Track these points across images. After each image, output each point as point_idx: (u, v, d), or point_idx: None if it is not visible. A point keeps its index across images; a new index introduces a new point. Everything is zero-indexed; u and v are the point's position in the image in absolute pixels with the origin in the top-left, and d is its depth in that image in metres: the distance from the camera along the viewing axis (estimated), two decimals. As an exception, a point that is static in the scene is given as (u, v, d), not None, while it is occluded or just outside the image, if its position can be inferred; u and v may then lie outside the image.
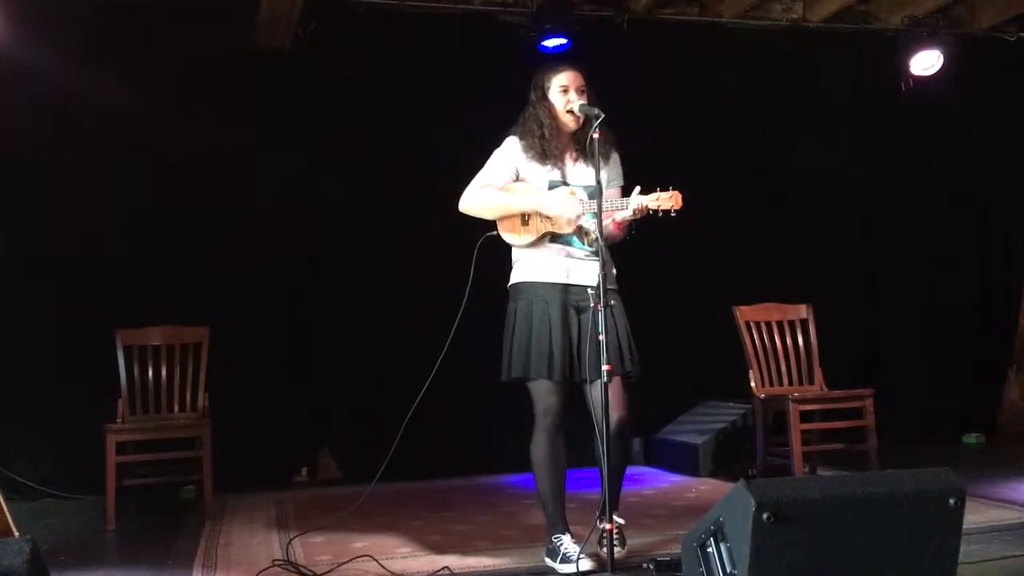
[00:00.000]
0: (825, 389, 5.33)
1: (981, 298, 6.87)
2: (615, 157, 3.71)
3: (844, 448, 5.24)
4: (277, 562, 3.64)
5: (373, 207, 5.83)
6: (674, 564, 3.14)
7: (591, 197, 3.47)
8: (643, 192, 3.48)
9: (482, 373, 4.63)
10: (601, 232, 3.34)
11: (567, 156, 3.67)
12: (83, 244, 5.40)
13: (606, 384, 3.24)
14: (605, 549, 3.24)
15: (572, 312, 3.55)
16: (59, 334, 5.31)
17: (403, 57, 5.94)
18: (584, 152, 3.62)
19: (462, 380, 4.88)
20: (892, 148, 6.73)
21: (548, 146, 3.61)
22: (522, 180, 3.65)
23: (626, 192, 3.60)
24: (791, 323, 5.43)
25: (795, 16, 6.41)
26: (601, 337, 3.25)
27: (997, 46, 6.68)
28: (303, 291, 5.88)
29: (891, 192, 6.67)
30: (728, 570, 2.60)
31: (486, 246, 3.65)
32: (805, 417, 5.01)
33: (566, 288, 3.57)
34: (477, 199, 3.66)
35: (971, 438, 6.42)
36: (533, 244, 3.63)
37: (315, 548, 3.94)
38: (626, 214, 3.49)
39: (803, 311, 5.46)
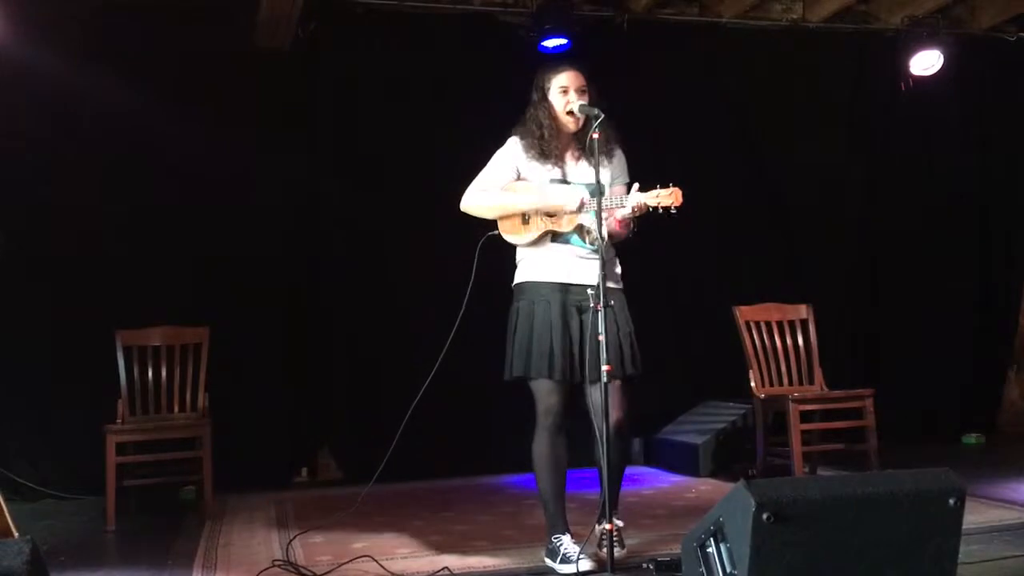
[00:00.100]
0: (825, 389, 5.33)
1: (981, 298, 6.87)
2: (619, 155, 3.72)
3: (844, 448, 5.24)
4: (277, 562, 3.64)
5: (373, 207, 5.83)
6: (674, 564, 3.15)
7: (592, 195, 3.47)
8: (643, 189, 3.49)
9: (482, 373, 4.64)
10: (601, 230, 3.34)
11: (568, 156, 3.67)
12: (83, 244, 5.40)
13: (606, 385, 3.25)
14: (605, 549, 3.25)
15: (574, 312, 3.55)
16: (59, 334, 5.31)
17: (403, 57, 5.94)
18: (586, 151, 3.62)
19: (462, 380, 4.88)
20: (892, 148, 6.73)
21: (548, 146, 3.62)
22: (523, 180, 3.65)
23: (641, 189, 3.60)
24: (791, 323, 5.43)
25: (795, 16, 6.41)
26: (601, 337, 3.25)
27: (997, 46, 6.68)
28: (303, 291, 5.87)
29: (891, 192, 6.67)
30: (728, 570, 2.60)
31: (487, 246, 3.66)
32: (805, 417, 5.01)
33: (568, 288, 3.57)
34: (478, 199, 3.67)
35: (971, 438, 6.42)
36: (534, 243, 3.63)
37: (315, 548, 3.95)
38: (625, 212, 3.49)
39: (803, 311, 5.46)
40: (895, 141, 6.73)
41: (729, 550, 2.59)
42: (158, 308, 5.24)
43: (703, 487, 5.24)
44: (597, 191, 3.39)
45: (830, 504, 2.53)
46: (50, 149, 5.38)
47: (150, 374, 5.07)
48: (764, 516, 2.44)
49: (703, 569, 2.69)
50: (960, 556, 2.66)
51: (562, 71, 3.65)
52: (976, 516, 3.92)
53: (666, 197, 3.42)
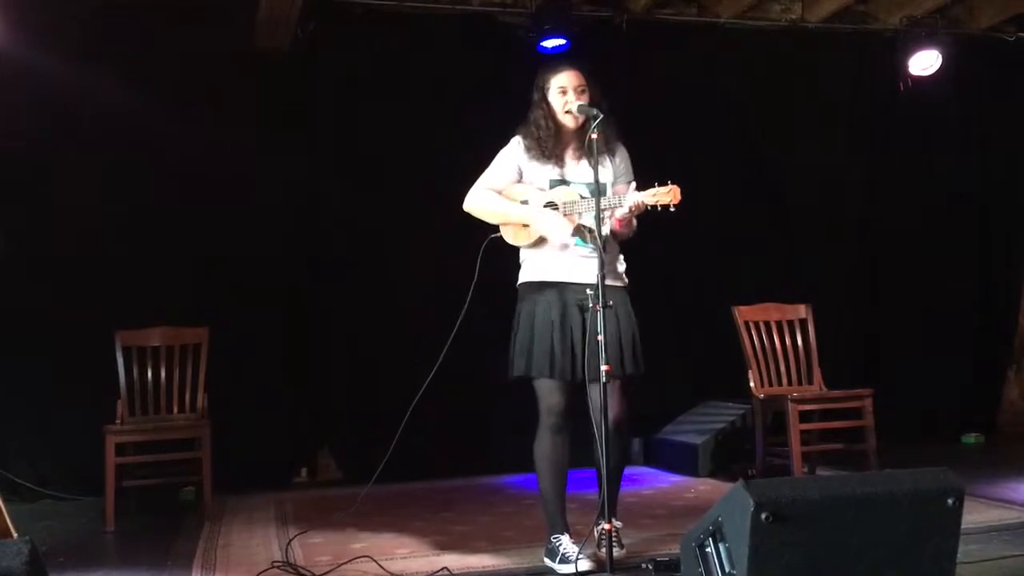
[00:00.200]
0: (824, 389, 5.33)
1: (981, 298, 6.87)
2: (622, 154, 3.73)
3: (843, 448, 5.24)
4: (276, 563, 3.64)
5: (373, 207, 5.83)
6: (673, 564, 3.15)
7: (592, 195, 3.47)
8: (642, 188, 3.49)
9: (482, 373, 4.65)
10: (599, 231, 3.35)
11: (568, 155, 3.68)
12: (83, 244, 5.40)
13: (605, 384, 3.25)
14: (604, 549, 3.25)
15: (575, 311, 3.56)
16: (59, 334, 5.30)
17: (402, 57, 5.94)
18: (586, 151, 3.62)
19: (462, 380, 4.89)
20: (892, 148, 6.73)
21: (548, 146, 3.64)
22: (525, 180, 3.67)
23: (641, 187, 3.60)
24: (790, 323, 5.43)
25: (794, 16, 6.41)
26: (600, 337, 3.26)
27: (996, 46, 6.68)
28: (303, 291, 5.87)
29: (891, 192, 6.67)
30: (727, 570, 2.60)
31: (489, 247, 3.66)
32: (804, 417, 5.01)
33: (569, 287, 3.58)
34: (480, 202, 3.70)
35: (970, 438, 6.42)
36: (535, 245, 3.65)
37: (314, 549, 3.95)
38: (623, 211, 3.50)
39: (802, 311, 5.46)
40: (895, 141, 6.73)
41: (728, 550, 2.59)
42: (158, 308, 5.24)
43: (702, 487, 5.24)
44: (596, 191, 3.39)
45: (829, 504, 2.53)
46: (50, 149, 5.38)
47: (149, 375, 5.07)
48: (763, 516, 2.44)
49: (702, 569, 2.70)
50: (959, 556, 2.67)
51: (561, 71, 3.65)
52: (975, 516, 3.92)
53: (664, 195, 3.43)
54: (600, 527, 3.46)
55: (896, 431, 5.73)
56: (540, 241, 3.63)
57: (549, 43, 5.69)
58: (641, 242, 3.76)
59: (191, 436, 4.83)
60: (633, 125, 3.86)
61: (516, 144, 3.70)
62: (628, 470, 4.13)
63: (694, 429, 5.81)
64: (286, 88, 5.80)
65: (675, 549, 3.06)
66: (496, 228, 3.70)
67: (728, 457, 5.58)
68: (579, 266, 3.58)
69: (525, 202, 3.65)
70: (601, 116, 3.43)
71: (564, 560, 3.43)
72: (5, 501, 3.16)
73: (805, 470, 5.12)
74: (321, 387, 5.85)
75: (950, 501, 2.59)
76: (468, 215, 3.74)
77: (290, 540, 4.05)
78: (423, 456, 5.37)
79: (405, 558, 3.74)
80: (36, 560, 2.17)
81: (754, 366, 5.30)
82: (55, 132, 5.39)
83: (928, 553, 2.60)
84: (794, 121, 6.49)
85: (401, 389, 4.29)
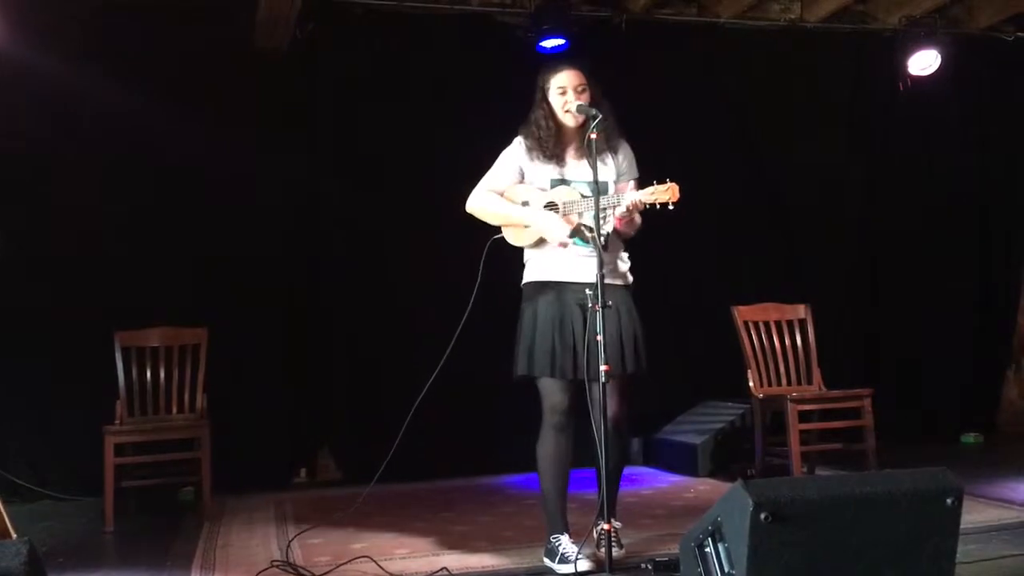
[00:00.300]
0: (824, 389, 5.33)
1: (981, 298, 6.87)
2: (625, 152, 3.73)
3: (842, 448, 5.24)
4: (276, 563, 3.64)
5: (373, 207, 5.83)
6: (672, 564, 3.15)
7: (592, 194, 3.48)
8: (641, 187, 3.49)
9: (483, 373, 4.65)
10: (599, 231, 3.35)
11: (569, 154, 3.69)
12: (83, 244, 5.40)
13: (604, 384, 3.25)
14: (603, 549, 3.25)
15: (577, 310, 3.56)
16: (59, 334, 5.31)
17: (402, 57, 5.94)
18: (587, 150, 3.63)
19: (463, 380, 4.87)
20: (891, 148, 6.73)
21: (549, 145, 3.65)
22: (527, 180, 3.68)
23: (642, 185, 3.60)
24: (790, 323, 5.43)
25: (793, 16, 6.41)
26: (599, 337, 3.26)
27: (995, 46, 6.67)
28: (303, 291, 5.87)
29: (891, 192, 6.67)
30: (726, 570, 2.60)
31: (491, 247, 3.66)
32: (803, 417, 5.01)
33: (571, 287, 3.58)
34: (482, 204, 3.71)
35: (970, 438, 6.42)
36: (536, 245, 3.65)
37: (314, 549, 3.95)
38: (621, 210, 3.50)
39: (802, 311, 5.47)
40: (894, 141, 6.73)
41: (727, 550, 2.59)
42: (158, 308, 5.25)
43: (702, 487, 5.24)
44: (596, 191, 3.40)
45: (828, 504, 2.53)
46: (50, 149, 5.38)
47: (149, 375, 5.07)
48: (762, 516, 2.44)
49: (701, 569, 2.70)
50: (958, 555, 2.67)
51: (561, 71, 3.66)
52: (974, 515, 3.92)
53: (663, 193, 3.42)
54: (599, 527, 3.46)
55: (895, 431, 5.74)
56: (541, 242, 3.64)
57: (548, 43, 5.69)
58: (641, 241, 3.77)
59: (190, 436, 4.83)
60: (633, 125, 3.86)
61: (518, 145, 3.71)
62: (627, 470, 4.13)
63: (693, 429, 5.81)
64: (286, 88, 5.80)
65: (674, 549, 3.07)
66: (498, 229, 3.71)
67: (727, 457, 5.58)
68: (579, 266, 3.58)
69: (526, 202, 3.66)
70: (600, 116, 3.43)
71: (563, 560, 3.43)
72: (5, 502, 3.17)
73: (804, 470, 5.12)
74: (321, 387, 5.85)
75: (949, 501, 2.59)
76: (468, 215, 3.76)
77: (290, 540, 4.05)
78: (423, 456, 5.36)
79: (404, 558, 3.74)
80: (35, 560, 2.17)
81: (753, 366, 5.30)
82: (55, 132, 5.39)
83: (927, 553, 2.60)
84: (794, 121, 6.49)
85: (401, 389, 4.28)
